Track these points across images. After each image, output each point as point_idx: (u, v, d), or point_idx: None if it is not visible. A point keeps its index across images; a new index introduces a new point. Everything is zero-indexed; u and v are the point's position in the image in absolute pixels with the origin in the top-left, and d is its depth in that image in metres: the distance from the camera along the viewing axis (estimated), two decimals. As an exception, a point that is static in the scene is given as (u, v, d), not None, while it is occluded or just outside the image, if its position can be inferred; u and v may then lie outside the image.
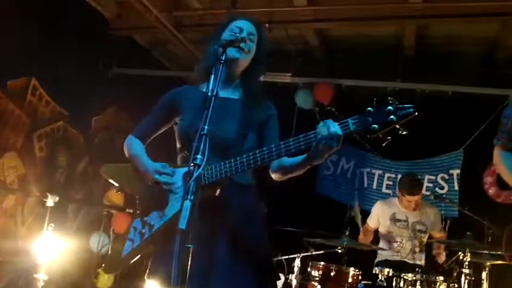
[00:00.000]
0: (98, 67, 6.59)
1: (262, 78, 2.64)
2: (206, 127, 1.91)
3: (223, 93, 2.43)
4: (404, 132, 1.94)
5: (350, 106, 6.34)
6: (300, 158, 2.22)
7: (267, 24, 5.68)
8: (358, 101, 6.41)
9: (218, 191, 2.18)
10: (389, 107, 1.92)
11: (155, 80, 6.92)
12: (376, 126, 1.92)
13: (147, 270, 2.30)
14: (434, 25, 5.89)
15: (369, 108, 1.95)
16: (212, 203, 2.17)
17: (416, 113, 1.90)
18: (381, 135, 1.94)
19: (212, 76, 2.02)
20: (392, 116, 1.91)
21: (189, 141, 1.94)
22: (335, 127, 1.98)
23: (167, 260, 1.84)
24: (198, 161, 1.84)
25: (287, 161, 2.25)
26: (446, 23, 5.74)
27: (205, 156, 1.87)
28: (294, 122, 6.59)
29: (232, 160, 2.15)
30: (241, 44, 2.36)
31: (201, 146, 1.87)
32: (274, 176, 2.44)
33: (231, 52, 2.32)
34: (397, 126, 1.92)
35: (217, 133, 2.21)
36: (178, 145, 2.49)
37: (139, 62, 6.99)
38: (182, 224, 1.72)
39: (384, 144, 2.01)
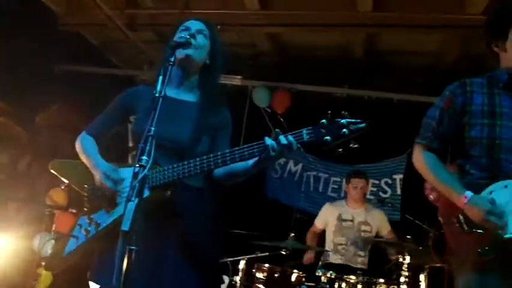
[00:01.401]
0: (45, 63, 6.42)
1: (219, 81, 2.63)
2: (153, 128, 1.89)
3: (179, 96, 2.48)
4: (356, 146, 2.00)
5: (299, 110, 6.49)
6: (249, 163, 2.25)
7: (218, 26, 5.68)
8: (307, 105, 6.51)
9: (168, 193, 2.18)
10: (343, 121, 2.02)
11: (105, 78, 6.80)
12: (328, 138, 2.00)
13: (89, 271, 2.28)
14: (383, 34, 6.04)
15: (322, 120, 2.03)
16: (162, 205, 2.18)
17: (368, 128, 2.01)
18: (332, 147, 2.02)
19: (160, 77, 2.00)
20: (344, 130, 2.01)
21: (140, 142, 1.93)
22: (288, 139, 2.05)
23: (110, 261, 1.83)
24: (143, 162, 1.83)
25: (236, 166, 2.25)
26: (394, 33, 5.90)
27: (151, 158, 1.86)
28: (243, 124, 6.62)
29: (186, 163, 2.15)
30: (191, 40, 2.35)
31: (147, 147, 1.86)
32: (218, 180, 2.45)
33: (183, 51, 2.33)
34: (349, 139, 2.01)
35: (170, 136, 2.25)
36: (130, 144, 2.48)
37: (88, 59, 6.86)
38: (125, 226, 1.71)
39: (335, 155, 2.08)
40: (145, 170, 1.81)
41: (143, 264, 1.82)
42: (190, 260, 2.22)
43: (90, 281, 2.26)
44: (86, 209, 2.37)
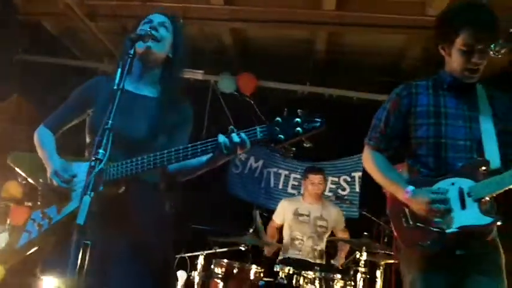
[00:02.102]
0: (3, 53, 6.24)
1: (182, 75, 2.60)
2: (110, 121, 1.87)
3: (139, 90, 2.44)
4: (308, 145, 2.03)
5: (261, 106, 6.51)
6: (203, 159, 2.25)
7: (181, 21, 5.64)
8: (269, 101, 6.54)
9: (122, 189, 2.17)
10: (298, 119, 2.01)
11: (65, 69, 6.67)
12: (282, 136, 1.99)
13: (40, 265, 2.24)
14: (345, 33, 6.10)
15: (277, 118, 2.02)
16: (115, 200, 2.15)
17: (322, 127, 2.02)
18: (286, 146, 2.03)
19: (119, 70, 1.98)
20: (298, 128, 2.00)
21: (96, 135, 1.90)
22: (241, 136, 2.04)
23: (62, 255, 1.80)
24: (99, 156, 1.81)
25: (190, 162, 2.23)
26: (356, 32, 5.97)
27: (108, 151, 1.83)
28: (205, 119, 6.59)
29: (139, 159, 2.12)
30: (153, 32, 2.31)
31: (104, 141, 1.84)
32: (173, 175, 2.43)
33: (143, 44, 2.30)
34: (303, 138, 2.01)
35: (127, 131, 2.22)
36: (87, 138, 2.44)
37: (48, 50, 6.71)
38: (80, 219, 1.69)
39: (291, 154, 2.09)
40: (102, 164, 1.79)
41: (96, 260, 1.79)
42: (143, 257, 2.20)
43: (42, 275, 2.22)
44: (39, 203, 2.34)
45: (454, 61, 2.58)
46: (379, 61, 6.52)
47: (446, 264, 2.47)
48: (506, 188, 2.38)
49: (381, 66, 6.56)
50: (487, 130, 2.57)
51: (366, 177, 6.70)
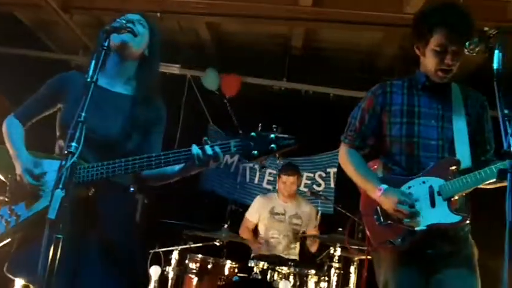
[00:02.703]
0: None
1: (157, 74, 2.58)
2: (83, 114, 1.84)
3: (113, 87, 2.41)
4: (281, 162, 2.09)
5: (237, 101, 6.49)
6: (176, 168, 2.26)
7: (158, 14, 5.60)
8: (245, 96, 6.53)
9: (92, 191, 2.15)
10: (272, 136, 2.04)
11: (38, 62, 6.56)
12: (256, 152, 2.03)
13: (7, 264, 2.20)
14: (322, 29, 6.11)
15: (252, 133, 2.06)
16: (85, 202, 2.14)
17: (295, 146, 2.05)
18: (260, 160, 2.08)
19: (93, 62, 1.94)
20: (273, 145, 2.03)
21: (68, 130, 1.87)
22: (215, 150, 2.07)
23: (29, 254, 1.78)
24: (72, 149, 1.78)
25: (163, 169, 2.21)
26: (333, 29, 5.98)
27: (81, 145, 1.81)
28: (181, 114, 6.56)
29: (111, 162, 2.11)
30: (129, 25, 2.27)
31: (77, 134, 1.81)
32: (145, 180, 2.42)
33: (119, 37, 2.26)
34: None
35: (99, 130, 2.19)
36: (58, 133, 2.39)
37: (22, 41, 6.58)
38: (51, 214, 1.66)
39: (262, 168, 2.16)
40: (74, 157, 1.76)
41: (66, 261, 1.77)
42: (109, 257, 2.20)
43: (8, 273, 2.19)
44: (7, 200, 2.30)
45: (428, 61, 2.62)
46: (356, 58, 6.55)
47: (417, 261, 2.52)
48: (475, 187, 2.46)
49: (358, 63, 6.60)
50: (460, 130, 2.63)
51: (341, 173, 6.78)
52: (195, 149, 2.07)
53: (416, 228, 2.46)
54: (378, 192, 2.57)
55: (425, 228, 2.45)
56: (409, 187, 2.57)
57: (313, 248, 5.32)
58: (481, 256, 2.61)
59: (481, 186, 2.46)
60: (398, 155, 2.68)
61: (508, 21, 5.00)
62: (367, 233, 2.69)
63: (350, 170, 2.79)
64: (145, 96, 2.42)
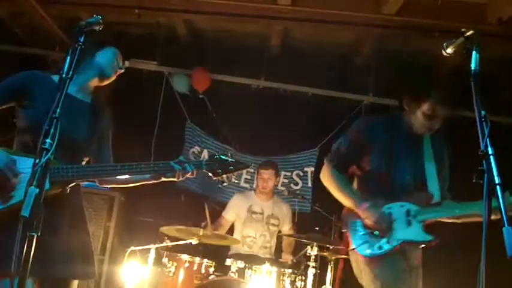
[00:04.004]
0: None
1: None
2: (58, 110, 1.84)
3: (78, 95, 2.60)
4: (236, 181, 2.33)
5: (215, 100, 6.48)
6: (147, 175, 2.62)
7: (136, 10, 5.56)
8: (222, 95, 6.51)
9: (68, 189, 2.40)
10: (231, 160, 2.68)
11: (13, 56, 6.46)
12: (220, 171, 2.64)
13: None
14: (300, 28, 6.12)
15: (216, 157, 2.68)
16: (56, 199, 2.29)
17: (247, 167, 2.84)
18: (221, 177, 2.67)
19: (68, 58, 1.95)
20: (231, 167, 2.67)
21: (39, 128, 1.88)
22: (192, 168, 2.56)
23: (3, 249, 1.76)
24: (47, 146, 1.77)
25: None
26: (310, 28, 6.00)
27: (55, 141, 1.79)
28: (158, 110, 6.52)
29: (92, 166, 2.56)
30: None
31: (52, 130, 1.80)
32: (115, 182, 2.76)
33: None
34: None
35: (68, 132, 2.27)
36: (20, 128, 2.45)
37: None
38: (25, 211, 1.63)
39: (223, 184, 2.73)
40: (49, 154, 1.75)
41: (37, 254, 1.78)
42: (74, 252, 2.44)
43: None
44: None
45: (417, 120, 3.03)
46: (333, 57, 6.57)
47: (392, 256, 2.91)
48: (441, 219, 2.96)
49: (335, 62, 6.62)
50: (430, 169, 3.08)
51: (319, 173, 6.81)
52: (176, 166, 2.51)
53: (391, 244, 2.89)
54: (363, 206, 2.95)
55: (398, 243, 2.88)
56: (389, 207, 2.96)
57: (288, 250, 5.35)
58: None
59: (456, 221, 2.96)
60: (376, 186, 3.07)
61: (486, 24, 5.07)
62: (348, 236, 3.06)
63: (334, 188, 3.14)
64: (101, 105, 2.71)
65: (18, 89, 2.48)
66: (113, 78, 2.70)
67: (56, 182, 2.24)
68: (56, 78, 2.50)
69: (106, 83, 2.69)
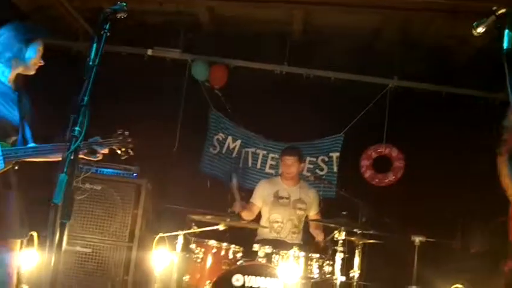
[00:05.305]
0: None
1: None
2: (86, 98, 1.85)
3: (6, 81, 2.82)
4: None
5: (239, 87, 6.47)
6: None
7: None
8: (247, 82, 6.50)
9: (16, 167, 2.70)
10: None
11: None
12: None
13: None
14: (322, 12, 6.05)
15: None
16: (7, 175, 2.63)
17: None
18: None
19: (94, 46, 1.97)
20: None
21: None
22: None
23: None
24: (76, 133, 1.79)
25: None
26: (332, 12, 5.93)
27: (84, 129, 1.82)
28: (183, 98, 6.54)
29: (36, 146, 2.77)
30: None
31: (80, 118, 1.82)
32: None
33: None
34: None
35: (8, 117, 2.67)
36: None
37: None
38: (56, 198, 1.66)
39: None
40: (78, 142, 1.77)
41: None
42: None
43: None
44: None
45: None
46: (356, 41, 6.49)
47: None
48: None
49: (358, 47, 6.54)
50: None
51: (344, 157, 6.80)
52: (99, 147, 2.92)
53: None
54: None
55: None
56: None
57: (319, 236, 5.31)
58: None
59: None
60: None
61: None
62: None
63: None
64: (24, 92, 2.92)
65: None
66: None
67: (10, 162, 2.58)
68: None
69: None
